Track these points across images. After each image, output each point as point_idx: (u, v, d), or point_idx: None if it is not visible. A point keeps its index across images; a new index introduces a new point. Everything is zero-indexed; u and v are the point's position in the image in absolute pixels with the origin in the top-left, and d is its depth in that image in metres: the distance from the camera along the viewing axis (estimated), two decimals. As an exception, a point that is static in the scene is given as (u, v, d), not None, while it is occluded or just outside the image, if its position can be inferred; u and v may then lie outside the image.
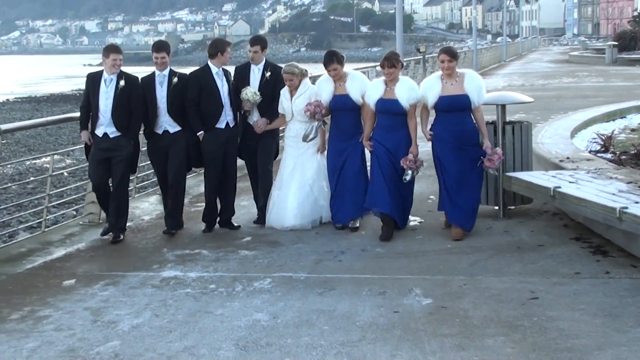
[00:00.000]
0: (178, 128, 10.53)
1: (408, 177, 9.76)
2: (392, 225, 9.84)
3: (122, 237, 10.33)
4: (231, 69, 10.94)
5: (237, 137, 10.86)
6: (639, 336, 6.47)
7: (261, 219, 10.83)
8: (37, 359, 6.53)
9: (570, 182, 9.44)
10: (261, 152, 10.91)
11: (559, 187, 9.12)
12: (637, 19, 70.10)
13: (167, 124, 10.50)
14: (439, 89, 9.70)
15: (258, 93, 10.62)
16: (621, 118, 17.86)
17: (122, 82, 10.16)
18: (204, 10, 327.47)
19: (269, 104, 10.74)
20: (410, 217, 10.49)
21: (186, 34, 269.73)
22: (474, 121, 9.80)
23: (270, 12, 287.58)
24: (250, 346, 6.60)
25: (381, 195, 9.81)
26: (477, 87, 9.70)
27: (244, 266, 9.01)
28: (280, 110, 10.78)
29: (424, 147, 10.27)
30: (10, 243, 10.84)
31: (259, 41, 11.07)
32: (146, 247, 10.09)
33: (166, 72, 10.55)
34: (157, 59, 10.49)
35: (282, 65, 10.89)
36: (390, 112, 9.88)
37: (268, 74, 10.80)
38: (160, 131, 10.53)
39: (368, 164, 10.32)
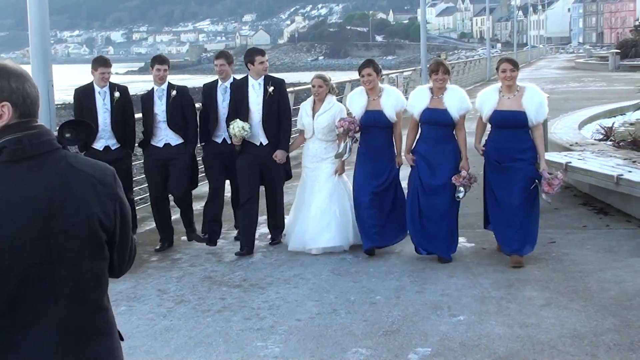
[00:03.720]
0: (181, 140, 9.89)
1: (461, 195, 8.76)
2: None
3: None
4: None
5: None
6: (631, 263, 8.59)
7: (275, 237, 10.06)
8: (185, 282, 8.56)
9: (578, 159, 11.50)
10: (271, 178, 9.82)
11: (570, 162, 11.14)
12: (639, 28, 71.63)
13: (168, 137, 9.88)
14: (495, 102, 8.65)
15: (247, 127, 9.35)
16: (621, 115, 19.70)
17: (173, 93, 9.84)
18: (225, 21, 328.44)
19: (275, 123, 9.60)
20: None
21: (208, 44, 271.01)
22: (532, 140, 8.68)
23: (288, 22, 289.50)
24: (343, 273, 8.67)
25: (411, 225, 9.00)
26: (537, 103, 8.62)
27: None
28: (299, 126, 9.95)
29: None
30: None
31: (261, 51, 9.80)
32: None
33: (164, 85, 9.87)
34: (159, 71, 9.84)
35: (278, 76, 10.17)
36: (439, 123, 8.80)
37: (271, 88, 9.50)
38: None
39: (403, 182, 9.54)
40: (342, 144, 9.35)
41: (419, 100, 8.97)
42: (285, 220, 10.12)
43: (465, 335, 6.64)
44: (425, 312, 7.23)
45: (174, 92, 9.80)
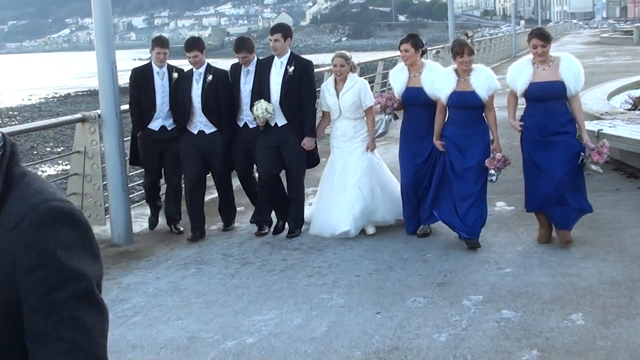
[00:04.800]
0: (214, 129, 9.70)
1: (494, 179, 8.51)
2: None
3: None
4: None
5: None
6: None
7: (293, 231, 9.61)
8: (247, 247, 9.22)
9: (609, 127, 12.15)
10: (290, 160, 9.48)
11: (602, 130, 11.76)
12: (663, 2, 71.71)
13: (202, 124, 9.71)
14: (530, 74, 8.24)
15: (271, 109, 9.16)
16: (648, 87, 20.24)
17: (209, 77, 9.62)
18: (246, 4, 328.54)
19: (295, 105, 9.32)
20: None
21: (230, 28, 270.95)
22: (570, 111, 8.33)
23: (310, 4, 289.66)
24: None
25: (449, 205, 8.67)
26: (575, 71, 8.22)
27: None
28: (323, 108, 9.68)
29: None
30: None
31: (280, 29, 9.52)
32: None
33: (202, 69, 9.69)
34: (189, 58, 9.73)
35: (308, 58, 9.87)
36: (467, 106, 8.52)
37: (292, 68, 9.27)
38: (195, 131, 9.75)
39: None
40: (379, 121, 9.39)
41: (445, 83, 8.62)
42: (310, 206, 10.06)
43: (512, 284, 7.33)
44: (474, 267, 7.90)
45: (209, 77, 9.59)
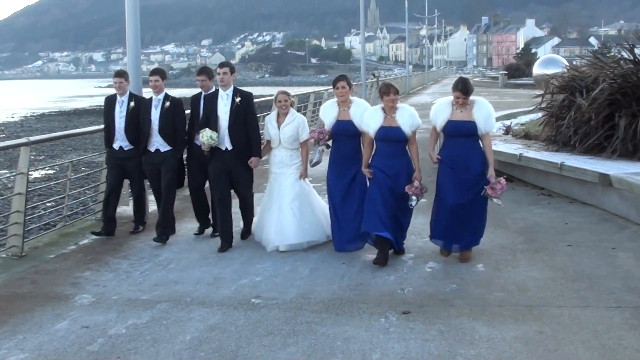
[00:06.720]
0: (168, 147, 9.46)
1: (414, 204, 8.24)
2: (387, 250, 8.20)
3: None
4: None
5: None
6: (530, 209, 10.82)
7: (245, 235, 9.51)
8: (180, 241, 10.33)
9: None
10: (239, 183, 9.24)
11: (486, 147, 13.21)
12: (520, 55, 74.98)
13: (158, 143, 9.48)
14: (448, 113, 8.07)
15: (215, 137, 8.86)
16: (514, 119, 21.86)
17: (167, 104, 9.46)
18: (186, 45, 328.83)
19: (241, 131, 8.99)
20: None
21: (173, 63, 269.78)
22: (482, 148, 8.11)
23: (239, 46, 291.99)
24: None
25: (379, 220, 8.11)
26: (485, 114, 8.07)
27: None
28: (266, 137, 9.24)
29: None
30: None
31: (228, 64, 9.17)
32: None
33: (161, 96, 9.48)
34: (151, 81, 9.47)
35: (250, 91, 9.37)
36: (393, 139, 8.19)
37: (238, 99, 8.97)
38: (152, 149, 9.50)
39: None
40: (314, 151, 9.10)
41: (373, 119, 8.29)
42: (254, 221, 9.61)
43: (434, 247, 8.61)
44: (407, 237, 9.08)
45: (167, 104, 9.42)
